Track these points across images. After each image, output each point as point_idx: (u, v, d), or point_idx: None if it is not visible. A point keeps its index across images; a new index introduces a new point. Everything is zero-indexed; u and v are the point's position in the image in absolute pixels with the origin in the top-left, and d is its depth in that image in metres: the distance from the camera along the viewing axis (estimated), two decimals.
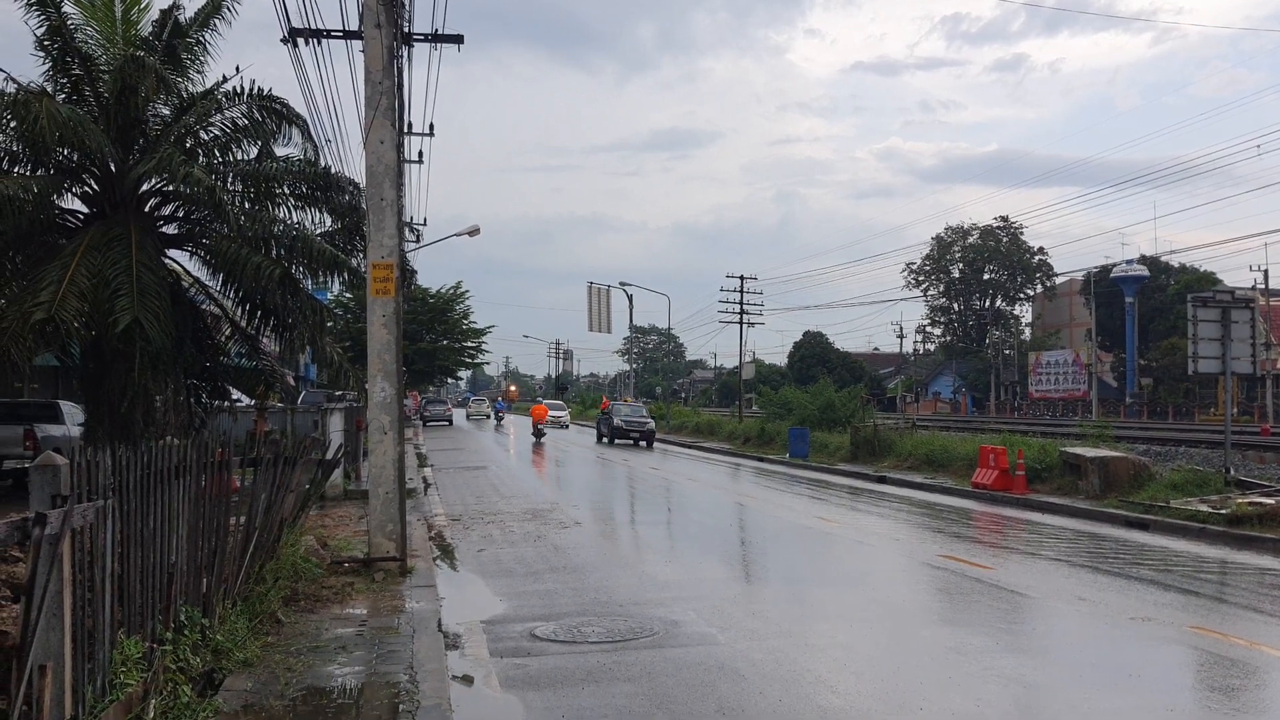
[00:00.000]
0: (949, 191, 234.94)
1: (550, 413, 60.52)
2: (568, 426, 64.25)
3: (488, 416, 76.20)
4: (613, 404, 48.72)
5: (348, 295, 42.83)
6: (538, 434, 45.03)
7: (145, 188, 15.30)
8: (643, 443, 42.73)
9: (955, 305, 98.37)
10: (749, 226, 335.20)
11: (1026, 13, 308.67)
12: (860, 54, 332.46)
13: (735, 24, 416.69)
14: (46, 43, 14.99)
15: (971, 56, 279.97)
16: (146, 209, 15.59)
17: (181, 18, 15.78)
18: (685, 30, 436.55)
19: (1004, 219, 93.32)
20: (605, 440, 44.51)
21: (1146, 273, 77.99)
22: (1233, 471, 19.22)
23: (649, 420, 44.72)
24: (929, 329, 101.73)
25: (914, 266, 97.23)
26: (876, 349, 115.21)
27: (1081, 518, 18.06)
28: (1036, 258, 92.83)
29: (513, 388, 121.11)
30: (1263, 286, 62.37)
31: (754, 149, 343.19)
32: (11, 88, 14.08)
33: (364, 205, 12.76)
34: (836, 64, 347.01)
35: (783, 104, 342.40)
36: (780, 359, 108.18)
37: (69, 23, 14.95)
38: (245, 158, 16.20)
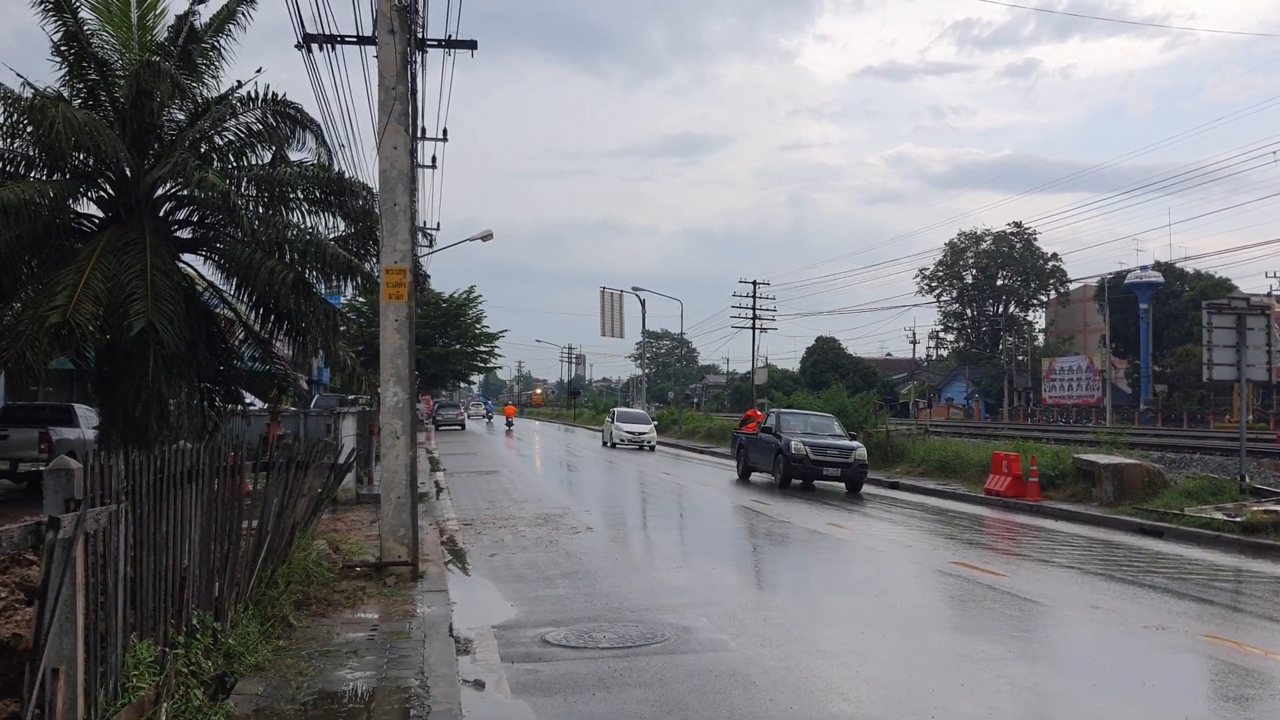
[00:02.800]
0: (960, 197, 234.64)
1: (626, 428, 44.80)
2: (654, 448, 43.68)
3: (483, 417, 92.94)
4: (777, 413, 27.74)
5: (361, 300, 42.64)
6: (509, 425, 62.16)
7: (160, 192, 15.39)
8: (843, 484, 24.30)
9: (968, 311, 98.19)
10: (761, 231, 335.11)
11: (1038, 18, 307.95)
12: (871, 59, 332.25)
13: (745, 29, 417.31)
14: (63, 48, 15.10)
15: (982, 62, 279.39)
16: (161, 213, 15.68)
17: (197, 23, 15.88)
18: (696, 35, 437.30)
19: (1017, 225, 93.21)
20: (776, 478, 24.99)
21: (1161, 279, 77.76)
22: (1248, 479, 19.11)
23: (854, 444, 25.13)
24: (942, 335, 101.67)
25: (927, 272, 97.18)
26: (889, 354, 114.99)
27: (1095, 525, 17.97)
28: (1050, 263, 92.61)
29: (538, 390, 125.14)
30: (1278, 293, 62.05)
31: (765, 153, 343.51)
32: (28, 93, 14.21)
33: (377, 210, 12.81)
34: (847, 69, 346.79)
35: (794, 109, 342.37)
36: (793, 364, 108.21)
37: (85, 28, 15.06)
38: (259, 162, 16.29)
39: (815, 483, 24.96)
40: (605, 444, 46.06)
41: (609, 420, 48.44)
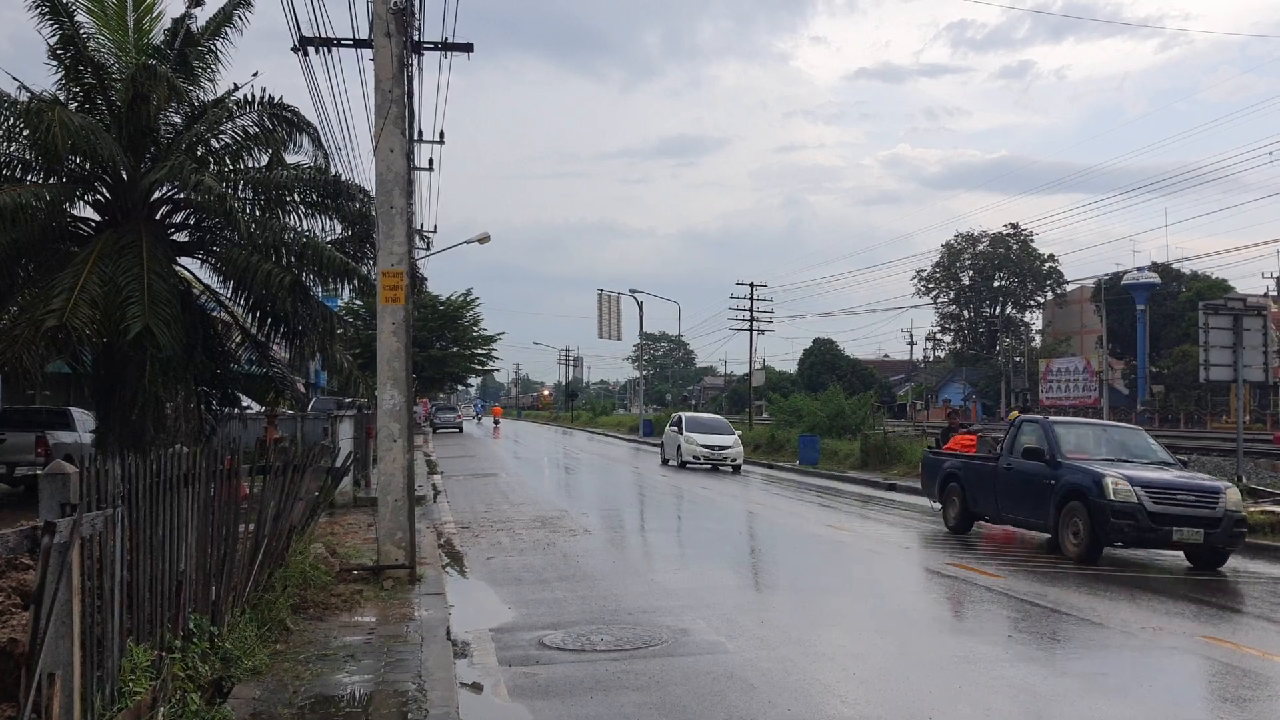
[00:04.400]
0: (956, 198, 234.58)
1: (702, 440, 32.66)
2: (739, 467, 32.47)
3: (473, 417, 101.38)
4: (1046, 424, 15.98)
5: (358, 302, 42.58)
6: (496, 423, 73.08)
7: (157, 195, 15.37)
8: (1183, 554, 14.14)
9: (965, 312, 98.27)
10: (757, 233, 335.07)
11: (1032, 19, 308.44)
12: (865, 61, 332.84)
13: (740, 31, 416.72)
14: (59, 52, 15.08)
15: (977, 63, 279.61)
16: (158, 217, 15.66)
17: (193, 26, 15.86)
18: (691, 38, 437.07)
19: (1014, 226, 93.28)
20: (1070, 545, 14.02)
21: (1158, 279, 77.84)
22: (1245, 479, 19.14)
23: (1216, 482, 14.86)
24: (939, 336, 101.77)
25: (924, 274, 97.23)
26: (886, 356, 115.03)
27: None
28: (1047, 265, 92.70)
29: (546, 392, 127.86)
30: (1275, 293, 62.15)
31: (761, 155, 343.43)
32: (24, 96, 14.19)
33: (374, 213, 12.80)
34: (842, 71, 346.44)
35: (789, 111, 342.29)
36: (790, 366, 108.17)
37: (81, 32, 15.03)
38: (256, 165, 16.27)
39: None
40: (667, 462, 34.85)
41: (673, 429, 35.28)
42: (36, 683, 4.54)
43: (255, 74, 16.10)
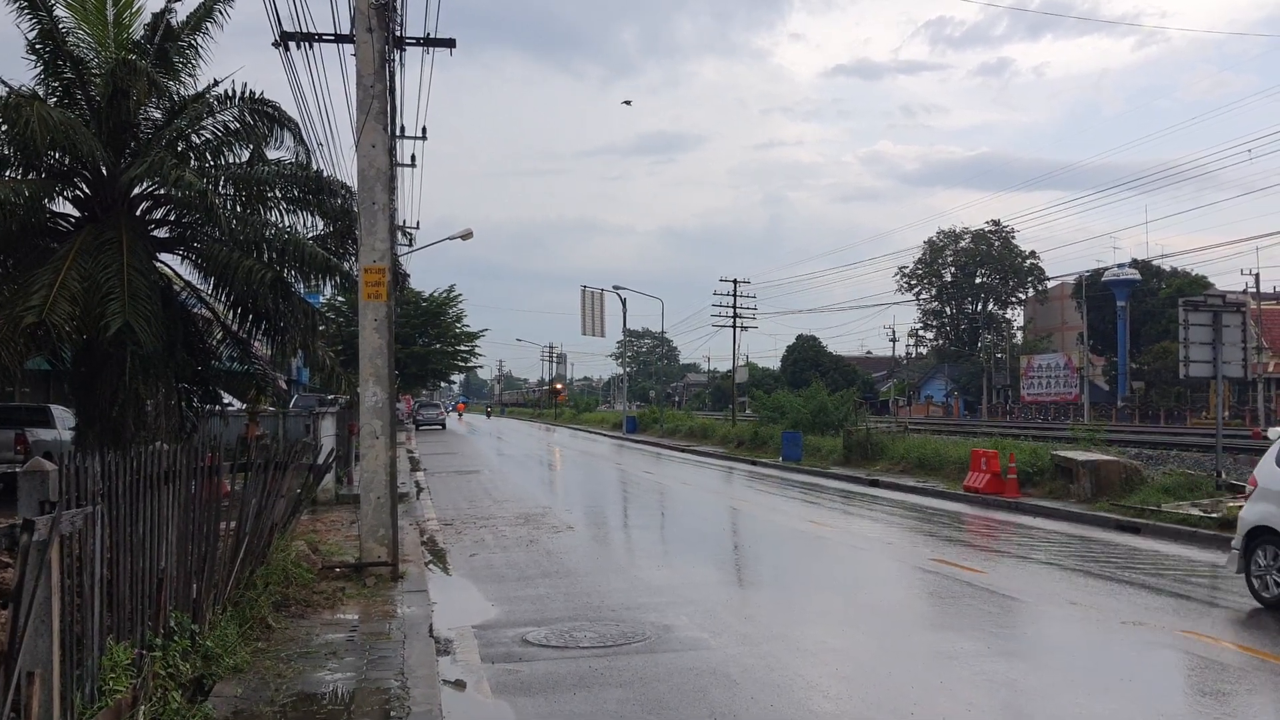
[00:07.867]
0: (935, 195, 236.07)
1: None
2: None
3: (449, 412, 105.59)
4: None
5: (340, 299, 42.24)
6: (460, 416, 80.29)
7: (137, 191, 15.25)
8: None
9: (947, 309, 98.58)
10: (738, 230, 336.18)
11: (1010, 17, 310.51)
12: (844, 58, 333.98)
13: (717, 29, 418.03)
14: (38, 46, 14.95)
15: (955, 60, 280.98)
16: (138, 212, 15.54)
17: (173, 21, 15.74)
18: (669, 35, 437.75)
19: (995, 223, 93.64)
20: None
21: (1138, 276, 78.28)
22: (1224, 475, 19.25)
23: None
24: (921, 332, 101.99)
25: (906, 270, 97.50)
26: (869, 352, 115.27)
27: (1073, 521, 18.07)
28: (1028, 261, 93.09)
29: (559, 386, 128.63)
30: (1254, 290, 62.59)
31: (740, 153, 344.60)
32: (3, 91, 14.06)
33: (356, 209, 12.75)
34: (820, 68, 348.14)
35: (767, 108, 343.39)
36: (773, 362, 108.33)
37: (60, 26, 14.90)
38: (237, 161, 16.15)
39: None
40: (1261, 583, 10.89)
41: None
42: (15, 681, 4.51)
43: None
